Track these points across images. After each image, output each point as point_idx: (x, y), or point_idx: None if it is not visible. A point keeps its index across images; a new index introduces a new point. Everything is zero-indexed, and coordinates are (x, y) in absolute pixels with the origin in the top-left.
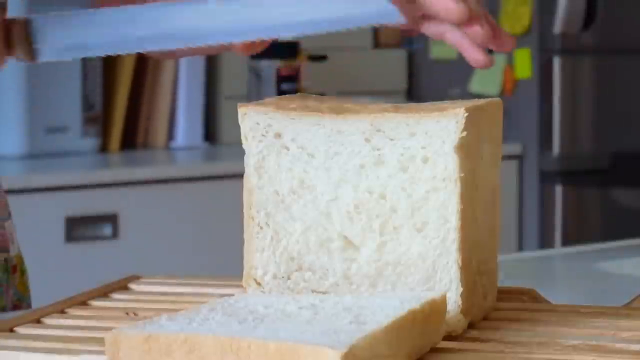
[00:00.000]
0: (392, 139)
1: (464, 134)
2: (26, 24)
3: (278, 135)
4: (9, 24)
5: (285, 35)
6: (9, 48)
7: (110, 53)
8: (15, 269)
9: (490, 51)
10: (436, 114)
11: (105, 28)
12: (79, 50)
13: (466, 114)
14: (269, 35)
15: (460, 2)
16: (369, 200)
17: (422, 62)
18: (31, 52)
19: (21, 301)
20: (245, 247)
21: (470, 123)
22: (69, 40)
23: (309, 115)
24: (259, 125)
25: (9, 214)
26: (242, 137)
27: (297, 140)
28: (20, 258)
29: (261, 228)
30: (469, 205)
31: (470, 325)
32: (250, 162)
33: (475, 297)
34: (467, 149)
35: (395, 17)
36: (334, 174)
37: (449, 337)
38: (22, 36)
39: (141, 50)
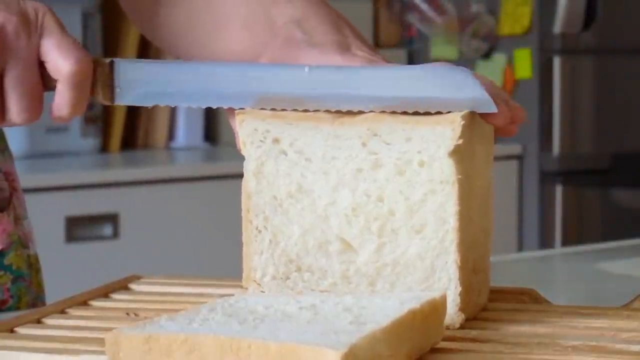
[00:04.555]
0: (388, 143)
1: (460, 141)
2: (110, 66)
3: (276, 141)
4: (94, 64)
5: (369, 108)
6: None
7: (190, 105)
8: (32, 267)
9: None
10: (432, 120)
11: (188, 80)
12: (159, 98)
13: (462, 122)
14: (354, 107)
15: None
16: (367, 203)
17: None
18: (111, 95)
19: (37, 299)
20: (244, 249)
21: (465, 127)
22: (150, 87)
23: (306, 121)
24: (257, 131)
25: (26, 213)
26: (241, 144)
27: (295, 145)
28: (36, 257)
29: (259, 232)
30: (465, 206)
31: (469, 324)
32: (249, 168)
33: (471, 295)
34: (460, 153)
35: (489, 107)
36: (332, 178)
37: (449, 337)
38: (104, 78)
39: (220, 106)
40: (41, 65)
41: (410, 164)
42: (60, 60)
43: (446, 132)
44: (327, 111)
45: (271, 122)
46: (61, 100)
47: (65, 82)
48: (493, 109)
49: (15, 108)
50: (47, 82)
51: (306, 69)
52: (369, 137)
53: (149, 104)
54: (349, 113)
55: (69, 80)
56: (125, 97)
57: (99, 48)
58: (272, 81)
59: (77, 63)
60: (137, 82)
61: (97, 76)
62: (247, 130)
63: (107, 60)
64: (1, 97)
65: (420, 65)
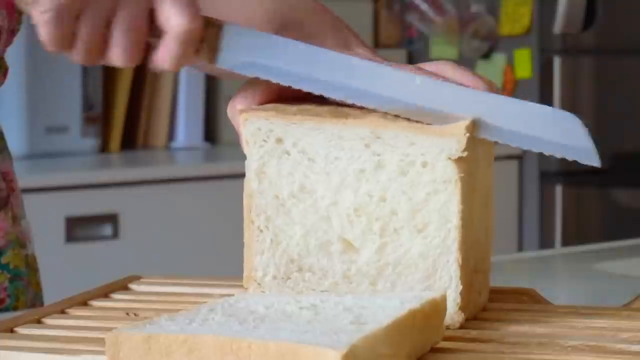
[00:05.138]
0: (391, 146)
1: (465, 154)
2: (220, 29)
3: (279, 141)
4: (205, 23)
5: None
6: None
7: (285, 83)
8: (30, 267)
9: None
10: (437, 131)
11: (290, 58)
12: (258, 70)
13: (467, 135)
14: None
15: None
16: (369, 204)
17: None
18: (214, 57)
19: (35, 299)
20: (245, 250)
21: (469, 138)
22: (254, 57)
23: (310, 120)
24: (260, 130)
25: (24, 214)
26: (243, 143)
27: (297, 145)
28: (34, 257)
29: (261, 231)
30: (467, 205)
31: (469, 324)
32: (251, 167)
33: (472, 295)
34: (463, 157)
35: (592, 161)
36: (334, 178)
37: (449, 337)
38: (212, 40)
39: (315, 92)
40: (150, 12)
41: (414, 165)
42: (173, 15)
43: (451, 143)
44: (333, 110)
45: (274, 121)
46: (166, 54)
47: (174, 37)
48: (596, 163)
49: (117, 50)
50: (152, 30)
51: (417, 80)
52: (372, 139)
53: (249, 74)
54: (351, 112)
55: (178, 36)
56: (227, 62)
57: None
58: (361, 76)
59: (190, 21)
60: (243, 50)
61: (205, 36)
62: (250, 130)
63: (218, 22)
64: (106, 35)
65: (539, 105)
